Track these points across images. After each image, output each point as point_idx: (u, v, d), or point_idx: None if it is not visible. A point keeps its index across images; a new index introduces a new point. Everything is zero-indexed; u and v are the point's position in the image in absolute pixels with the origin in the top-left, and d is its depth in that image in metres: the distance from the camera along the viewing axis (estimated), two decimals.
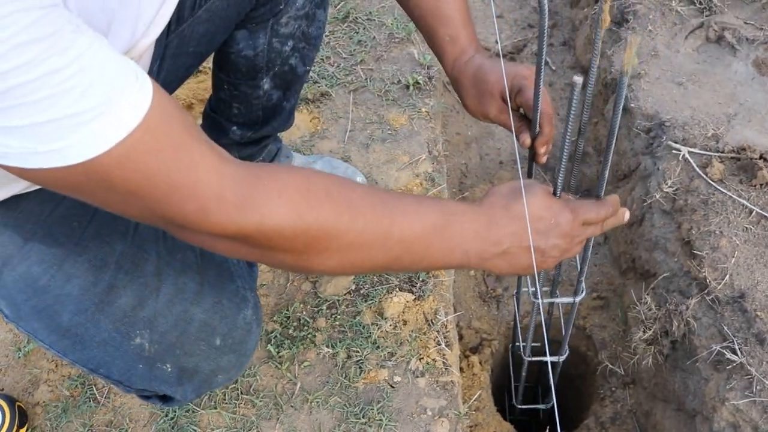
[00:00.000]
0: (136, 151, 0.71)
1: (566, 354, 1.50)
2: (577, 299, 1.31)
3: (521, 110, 1.18)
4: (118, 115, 0.69)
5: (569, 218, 1.01)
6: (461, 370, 1.86)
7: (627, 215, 1.08)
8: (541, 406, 1.85)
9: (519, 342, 1.58)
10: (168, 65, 1.24)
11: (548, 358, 1.17)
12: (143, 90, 0.72)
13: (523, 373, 1.64)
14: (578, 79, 0.88)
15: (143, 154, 0.71)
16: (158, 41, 1.15)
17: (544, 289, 1.39)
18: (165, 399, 1.18)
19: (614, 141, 0.96)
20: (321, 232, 0.85)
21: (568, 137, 0.98)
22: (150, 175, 0.73)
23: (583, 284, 1.29)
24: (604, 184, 1.05)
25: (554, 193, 1.04)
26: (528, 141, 1.14)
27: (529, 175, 1.26)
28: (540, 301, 1.30)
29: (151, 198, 0.75)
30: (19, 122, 0.65)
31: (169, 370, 1.08)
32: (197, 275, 1.08)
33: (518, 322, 1.61)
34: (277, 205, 0.81)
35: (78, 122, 0.67)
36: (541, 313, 1.36)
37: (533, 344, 1.52)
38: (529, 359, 1.52)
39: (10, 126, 0.65)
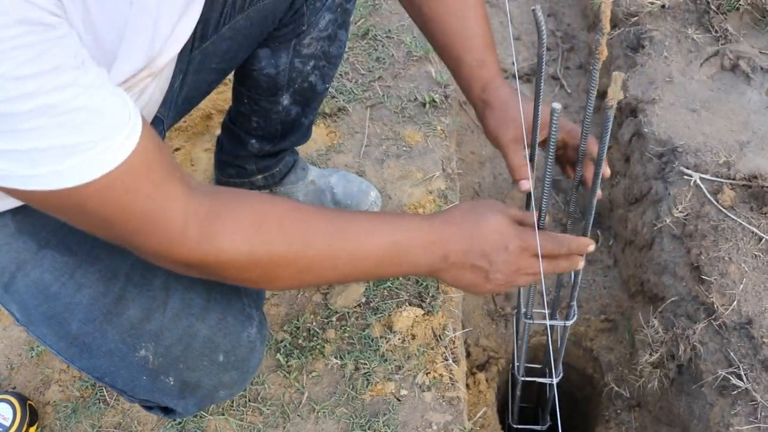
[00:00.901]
0: (114, 187, 0.77)
1: (560, 376, 1.51)
2: (569, 323, 1.33)
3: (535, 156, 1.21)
4: (104, 153, 0.75)
5: (518, 246, 1.05)
6: (467, 387, 1.87)
7: (581, 263, 1.12)
8: (537, 428, 1.86)
9: (514, 361, 1.60)
10: (190, 80, 1.27)
11: (541, 380, 1.18)
12: (132, 132, 0.78)
13: (518, 393, 1.65)
14: (557, 106, 0.93)
15: (120, 190, 0.78)
16: (181, 57, 1.18)
17: (545, 311, 1.41)
18: (167, 410, 1.19)
19: (601, 170, 1.00)
20: (272, 263, 0.94)
21: (549, 163, 1.01)
22: (123, 209, 0.80)
23: (575, 308, 1.31)
24: (593, 211, 1.08)
25: (538, 221, 1.08)
26: (527, 187, 1.16)
27: (536, 197, 1.27)
28: (531, 321, 1.33)
29: (121, 228, 0.83)
30: (9, 146, 0.70)
31: (172, 383, 1.10)
32: (204, 291, 1.09)
33: (516, 342, 1.62)
34: (232, 240, 0.89)
35: (66, 153, 0.72)
36: (526, 333, 1.38)
37: (535, 365, 1.53)
38: (523, 379, 1.54)
39: (1, 149, 0.71)
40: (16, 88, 0.66)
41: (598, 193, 1.07)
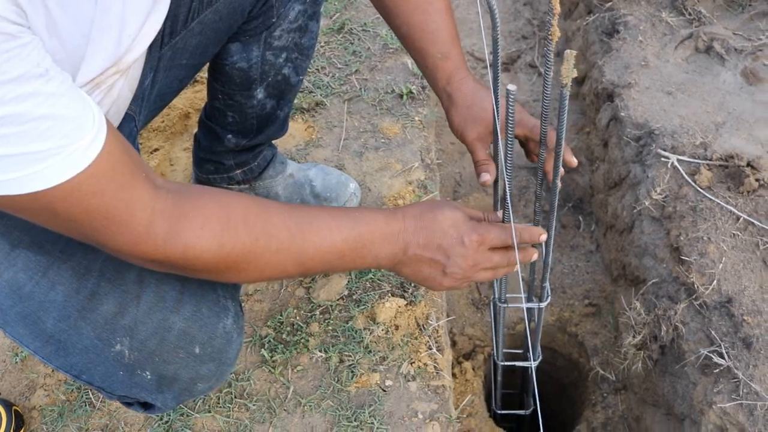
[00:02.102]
0: (80, 190, 0.79)
1: (539, 359, 1.52)
2: (543, 305, 1.34)
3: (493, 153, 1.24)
4: (70, 157, 0.77)
5: (474, 240, 1.08)
6: (454, 376, 1.88)
7: (535, 256, 1.17)
8: (521, 412, 1.87)
9: (494, 347, 1.61)
10: (162, 77, 1.27)
11: (520, 363, 1.19)
12: (97, 136, 0.80)
13: (499, 378, 1.66)
14: (512, 87, 0.93)
15: (86, 193, 0.80)
16: (151, 54, 1.18)
17: (522, 295, 1.42)
18: (146, 406, 1.19)
19: (561, 154, 1.00)
20: (239, 257, 0.96)
21: (509, 149, 1.02)
22: (90, 210, 0.82)
23: (548, 289, 1.32)
24: (555, 202, 1.10)
25: (501, 210, 1.10)
26: (488, 180, 1.20)
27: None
28: (506, 306, 1.34)
29: (90, 228, 0.85)
30: None
31: (149, 377, 1.09)
32: (178, 284, 1.09)
33: (494, 327, 1.63)
34: (199, 237, 0.92)
35: (32, 159, 0.74)
36: (502, 317, 1.38)
37: (516, 351, 1.54)
38: (503, 364, 1.55)
39: None
40: None
41: (558, 183, 1.08)
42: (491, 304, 1.46)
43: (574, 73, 0.82)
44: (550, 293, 1.33)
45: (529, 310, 1.51)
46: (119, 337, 1.04)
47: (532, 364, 1.44)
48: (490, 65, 1.02)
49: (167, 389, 1.12)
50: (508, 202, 1.09)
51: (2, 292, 1.01)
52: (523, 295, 1.35)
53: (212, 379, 1.17)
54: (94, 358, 1.05)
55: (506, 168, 1.06)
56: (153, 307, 1.06)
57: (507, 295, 1.40)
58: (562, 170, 1.07)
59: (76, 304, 1.02)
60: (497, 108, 1.08)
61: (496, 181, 1.22)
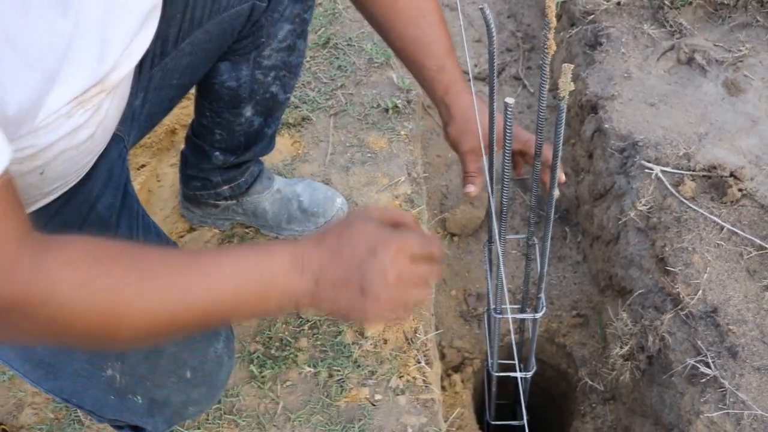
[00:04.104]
0: None
1: (533, 370, 1.52)
2: (538, 316, 1.35)
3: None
4: None
5: (392, 249, 0.92)
6: (443, 388, 1.88)
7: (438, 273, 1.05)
8: (515, 423, 1.87)
9: (488, 358, 1.62)
10: (152, 97, 1.27)
11: (514, 374, 1.20)
12: None
13: (493, 389, 1.67)
14: (510, 101, 0.94)
15: None
16: (142, 75, 1.18)
17: (516, 306, 1.43)
18: (137, 429, 1.19)
19: (558, 162, 1.01)
20: (113, 301, 0.80)
21: (507, 160, 1.03)
22: None
23: (543, 300, 1.33)
24: (552, 211, 1.10)
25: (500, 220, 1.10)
26: (473, 191, 1.22)
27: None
28: (501, 316, 1.35)
29: None
30: None
31: (140, 401, 1.10)
32: None
33: (489, 338, 1.64)
34: (67, 272, 0.77)
35: None
36: (497, 328, 1.39)
37: (508, 361, 1.55)
38: (497, 375, 1.55)
39: None
40: None
41: (556, 192, 1.09)
42: (486, 314, 1.47)
43: (572, 86, 0.83)
44: (545, 304, 1.34)
45: (522, 320, 1.52)
46: (111, 362, 1.04)
47: (522, 375, 1.45)
48: (473, 77, 1.03)
49: (158, 413, 1.12)
50: (505, 213, 1.11)
51: None
52: (507, 306, 1.36)
53: (203, 402, 1.17)
54: (85, 382, 1.05)
55: (504, 180, 1.07)
56: None
57: (502, 306, 1.41)
58: (561, 176, 1.06)
59: None
60: (492, 121, 1.09)
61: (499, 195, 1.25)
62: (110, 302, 0.79)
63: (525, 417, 1.84)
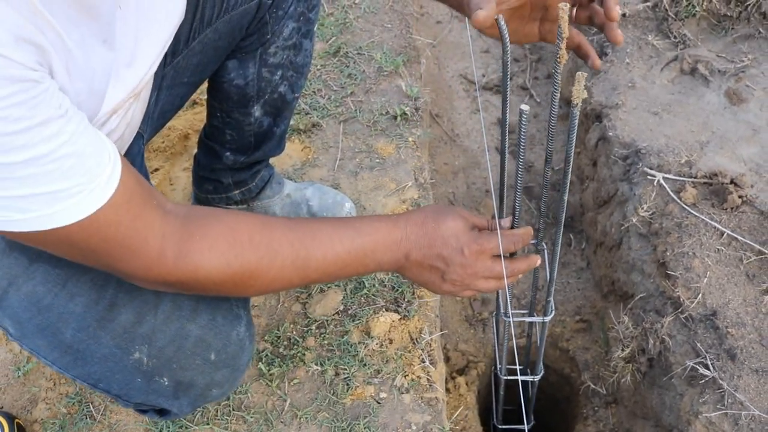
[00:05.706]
0: (99, 222, 0.85)
1: (541, 374, 1.55)
2: (547, 319, 1.38)
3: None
4: (90, 194, 0.82)
5: (474, 251, 1.13)
6: (448, 391, 1.91)
7: (538, 261, 1.22)
8: (521, 427, 1.90)
9: (496, 362, 1.64)
10: (164, 96, 1.32)
11: (522, 377, 1.22)
12: (114, 171, 0.85)
13: (501, 393, 1.69)
14: (525, 107, 0.98)
15: (104, 224, 0.86)
16: (155, 74, 1.23)
17: (523, 311, 1.45)
18: (162, 412, 1.23)
19: (570, 168, 1.04)
20: (246, 275, 1.02)
21: (520, 166, 1.06)
22: (107, 240, 0.88)
23: (552, 304, 1.36)
24: (563, 214, 1.13)
25: (513, 220, 1.13)
26: (481, 16, 0.99)
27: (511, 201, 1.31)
28: (510, 320, 1.37)
29: (105, 255, 0.91)
30: (3, 194, 0.77)
31: (166, 383, 1.13)
32: (193, 293, 1.13)
33: (497, 342, 1.67)
34: (208, 258, 0.98)
35: (57, 197, 0.80)
36: (506, 331, 1.42)
37: (514, 366, 1.57)
38: (505, 378, 1.58)
39: None
40: (10, 143, 0.73)
41: (565, 199, 1.12)
42: (494, 318, 1.49)
43: (585, 94, 0.87)
44: (554, 308, 1.37)
45: (529, 324, 1.54)
46: (138, 345, 1.08)
47: (531, 378, 1.47)
48: (481, 87, 1.06)
49: (183, 395, 1.16)
50: (517, 210, 1.14)
51: (21, 305, 1.05)
52: (511, 310, 1.39)
53: (225, 384, 1.20)
54: (113, 366, 1.09)
55: (517, 187, 1.10)
56: (170, 316, 1.10)
57: (512, 310, 1.43)
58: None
59: (95, 315, 1.06)
60: (505, 114, 1.10)
61: (501, 199, 1.25)
62: (243, 277, 1.02)
63: (526, 421, 1.88)
